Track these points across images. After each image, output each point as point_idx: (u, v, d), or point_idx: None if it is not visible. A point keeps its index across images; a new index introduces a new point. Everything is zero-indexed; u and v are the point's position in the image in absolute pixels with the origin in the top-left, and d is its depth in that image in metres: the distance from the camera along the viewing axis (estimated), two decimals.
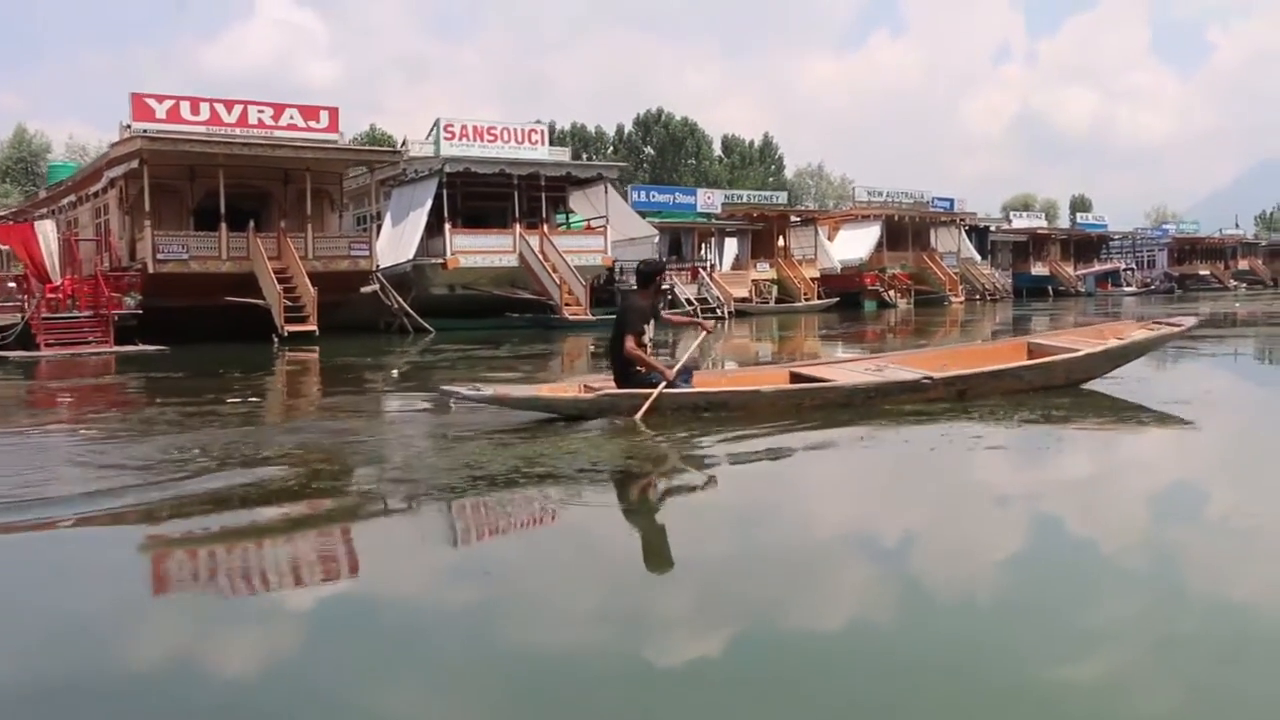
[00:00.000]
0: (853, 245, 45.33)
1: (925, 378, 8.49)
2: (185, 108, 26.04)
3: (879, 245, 45.41)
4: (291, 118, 27.38)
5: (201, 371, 15.54)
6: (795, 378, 9.09)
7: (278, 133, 26.82)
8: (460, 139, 30.30)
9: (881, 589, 4.11)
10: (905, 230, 47.13)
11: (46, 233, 23.46)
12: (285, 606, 4.04)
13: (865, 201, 49.53)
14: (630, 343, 8.03)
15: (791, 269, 41.61)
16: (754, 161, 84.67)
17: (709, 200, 44.28)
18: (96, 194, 27.69)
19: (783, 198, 52.11)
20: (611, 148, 78.82)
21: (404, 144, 32.40)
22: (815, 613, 3.81)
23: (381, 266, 26.88)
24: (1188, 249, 68.99)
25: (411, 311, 26.53)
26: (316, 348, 21.24)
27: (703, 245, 40.34)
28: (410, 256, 28.09)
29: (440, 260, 28.80)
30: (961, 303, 44.74)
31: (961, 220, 50.71)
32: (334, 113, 28.24)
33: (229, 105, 26.73)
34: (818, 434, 7.43)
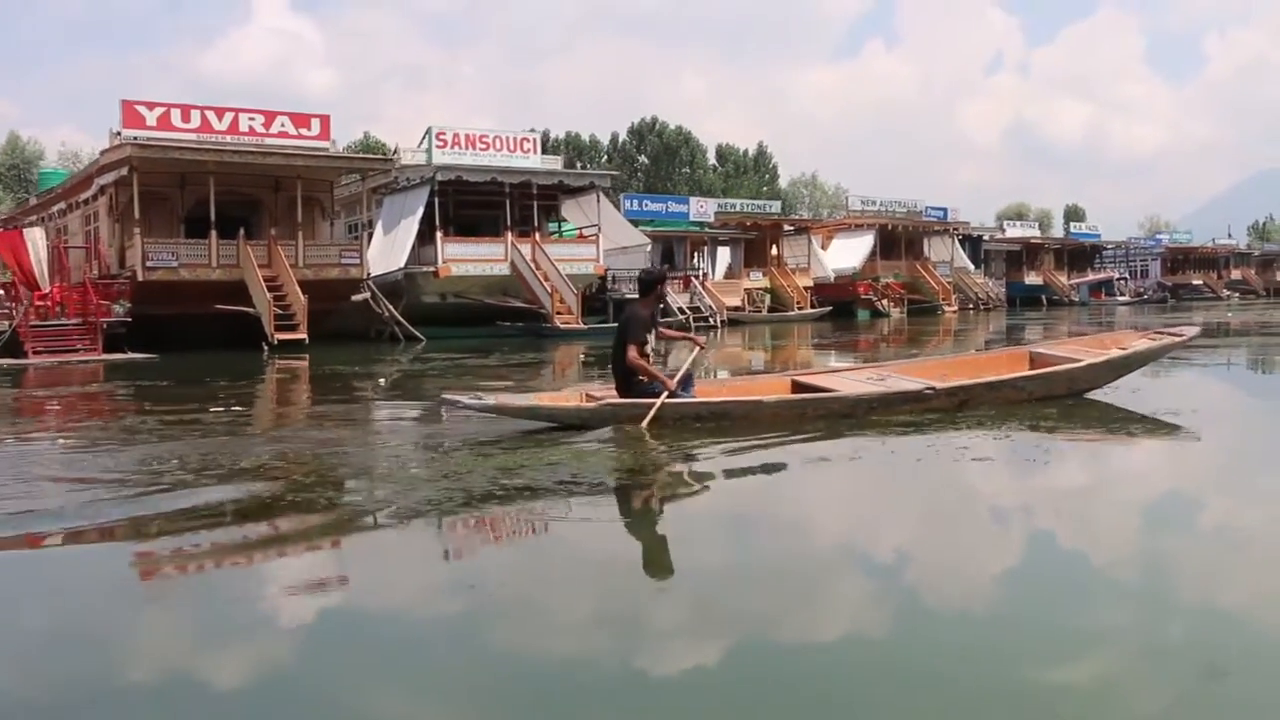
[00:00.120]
0: (846, 254, 45.29)
1: (928, 388, 8.47)
2: (176, 115, 26.01)
3: (872, 254, 45.37)
4: (283, 125, 27.36)
5: (189, 380, 15.44)
6: (797, 387, 9.05)
7: (269, 140, 26.80)
8: (452, 147, 30.26)
9: (872, 600, 4.07)
10: (899, 239, 47.11)
11: (35, 240, 23.39)
12: (250, 624, 3.94)
13: (859, 210, 49.56)
14: (633, 352, 8.01)
15: (785, 278, 41.56)
16: (748, 170, 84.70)
17: (702, 209, 44.25)
18: (86, 201, 27.59)
19: (776, 207, 52.08)
20: (606, 156, 78.84)
21: (395, 152, 32.34)
22: (801, 625, 3.76)
23: (373, 274, 26.81)
24: (1181, 259, 69.12)
25: (402, 320, 26.44)
26: (306, 356, 21.16)
27: (695, 254, 40.32)
28: (401, 265, 28.01)
29: (432, 268, 28.71)
30: (955, 312, 44.71)
31: (955, 229, 50.71)
32: (325, 120, 28.19)
33: (220, 113, 26.70)
34: (807, 445, 7.36)
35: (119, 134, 24.99)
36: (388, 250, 28.39)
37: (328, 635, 3.76)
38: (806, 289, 41.69)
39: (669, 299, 33.23)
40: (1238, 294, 66.74)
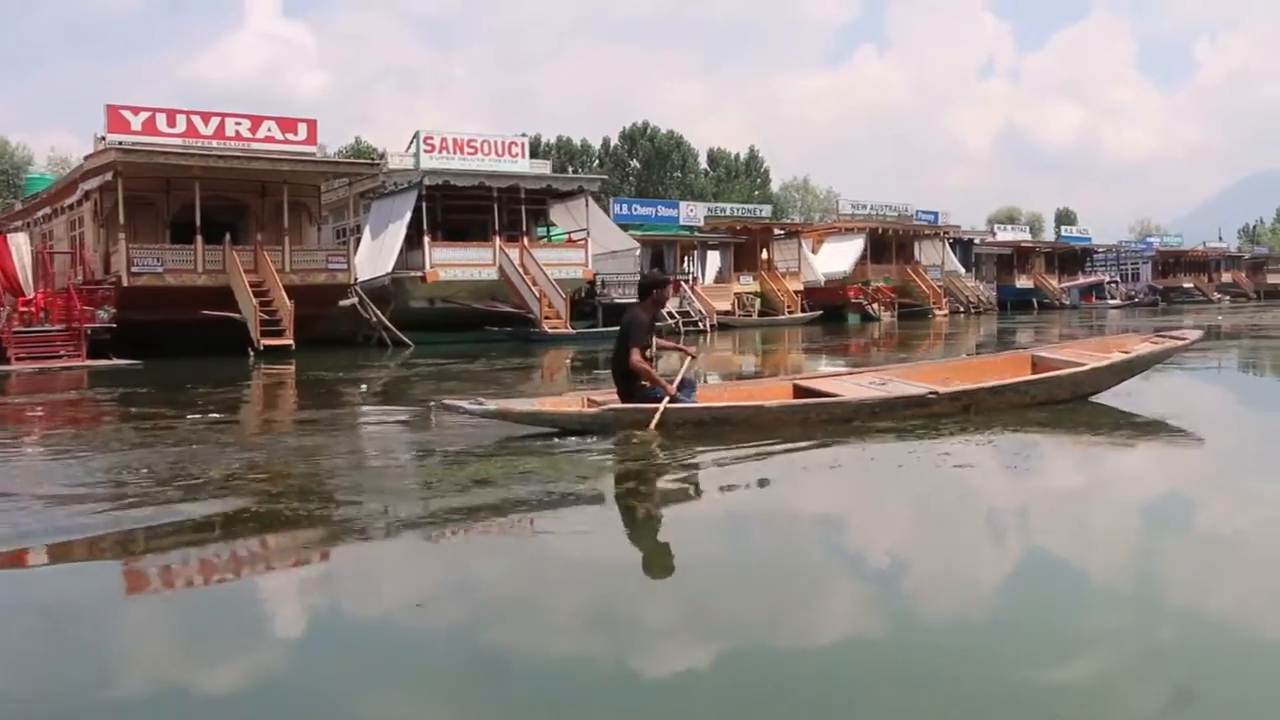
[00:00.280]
0: (836, 258, 45.24)
1: (931, 392, 8.42)
2: (161, 119, 25.82)
3: (863, 258, 45.34)
4: (269, 130, 27.20)
5: (172, 386, 15.29)
6: (799, 392, 9.01)
7: (255, 145, 26.63)
8: (440, 151, 30.11)
9: (872, 603, 4.09)
10: (889, 243, 47.09)
11: (19, 245, 23.23)
12: (201, 642, 3.83)
13: (849, 214, 49.49)
14: (636, 355, 7.95)
15: (775, 282, 41.50)
16: (740, 175, 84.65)
17: (692, 213, 44.11)
18: (71, 206, 27.44)
19: (766, 211, 51.97)
20: (597, 161, 78.73)
21: (383, 156, 32.21)
22: (799, 629, 3.74)
23: (360, 280, 26.69)
24: (1172, 262, 69.25)
25: (390, 325, 26.32)
26: (293, 361, 21.02)
27: (685, 258, 40.20)
28: (389, 269, 27.85)
29: (419, 273, 28.58)
30: (946, 316, 44.68)
31: (945, 233, 50.72)
32: (312, 125, 28.06)
33: (205, 117, 26.53)
34: (805, 450, 7.29)
35: (103, 139, 24.83)
36: (375, 255, 28.26)
37: (289, 650, 3.66)
38: (797, 293, 41.64)
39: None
40: (1228, 297, 66.89)
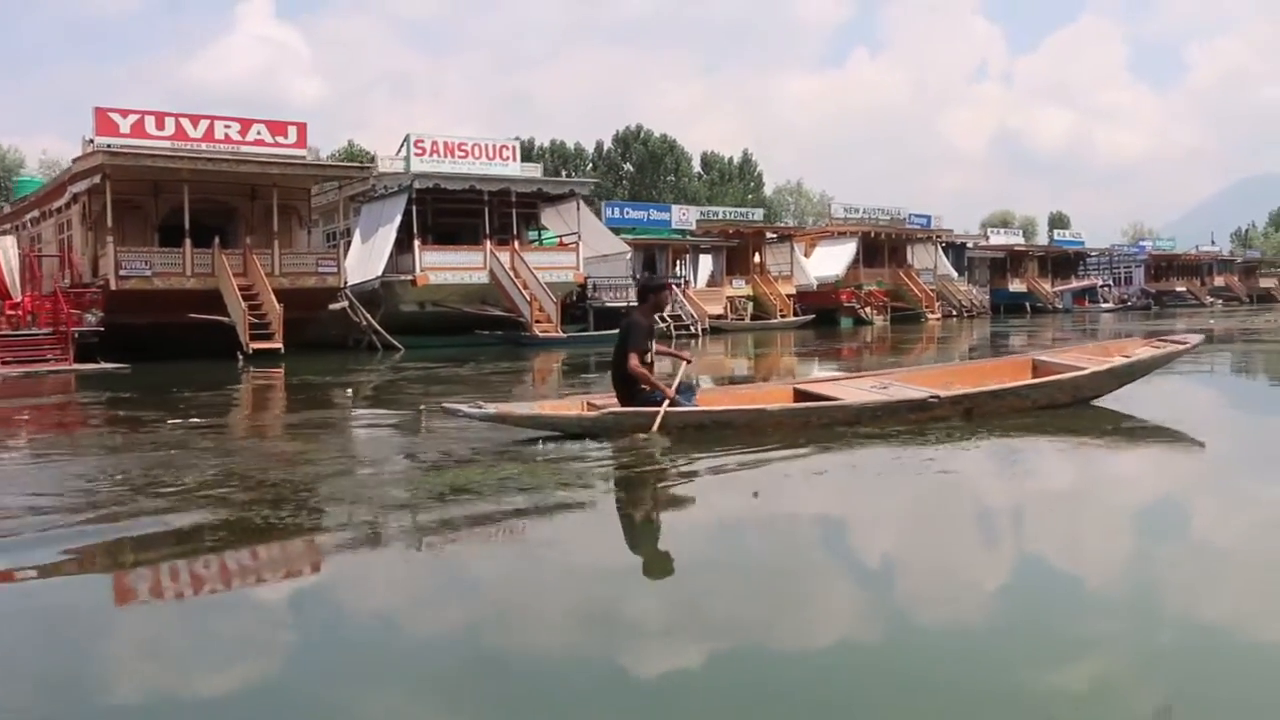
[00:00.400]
0: (829, 262, 45.20)
1: (932, 396, 8.38)
2: (150, 122, 25.70)
3: (855, 262, 45.29)
4: (259, 133, 27.08)
5: (158, 390, 15.17)
6: (800, 396, 8.98)
7: (245, 148, 26.52)
8: (431, 155, 29.99)
9: (871, 606, 4.10)
10: (882, 247, 47.06)
11: (6, 249, 23.14)
12: (149, 661, 3.74)
13: (842, 218, 49.47)
14: (634, 360, 7.92)
15: (767, 286, 41.44)
16: (733, 178, 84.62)
17: (684, 216, 44.11)
18: (60, 210, 27.30)
19: (759, 214, 51.95)
20: (591, 164, 78.68)
21: (373, 160, 32.12)
22: (798, 633, 3.66)
23: (350, 283, 26.58)
24: (1164, 265, 69.34)
25: (380, 329, 26.23)
26: (281, 366, 20.91)
27: (677, 262, 40.16)
28: (379, 273, 27.79)
29: (410, 277, 28.49)
30: (939, 319, 44.65)
31: (938, 237, 50.72)
32: (302, 128, 27.95)
33: (194, 120, 26.39)
34: (803, 454, 7.22)
35: (91, 141, 24.70)
36: (366, 259, 28.17)
37: (247, 662, 3.56)
38: (789, 297, 41.57)
39: None
40: (1221, 300, 66.94)
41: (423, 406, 12.16)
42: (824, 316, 41.04)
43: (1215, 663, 3.39)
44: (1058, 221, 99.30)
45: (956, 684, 3.20)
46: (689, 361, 8.70)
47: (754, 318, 39.78)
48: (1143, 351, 9.82)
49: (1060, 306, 56.32)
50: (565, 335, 28.44)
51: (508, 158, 32.03)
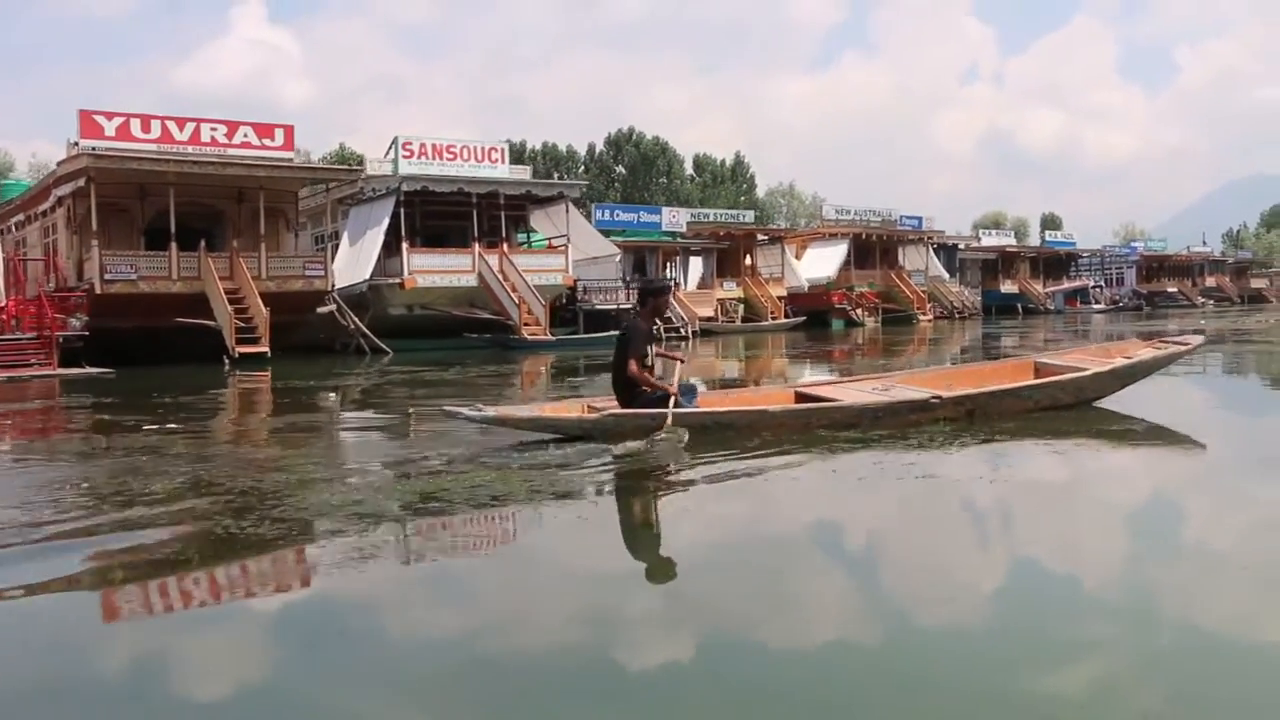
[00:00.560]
0: (820, 264, 45.16)
1: (934, 397, 8.35)
2: (136, 125, 25.51)
3: (847, 263, 45.29)
4: (246, 136, 26.91)
5: (142, 394, 15.04)
6: (801, 398, 8.96)
7: (231, 151, 26.36)
8: (419, 157, 29.86)
9: (871, 607, 4.11)
10: (873, 248, 47.08)
11: None
12: (99, 681, 3.62)
13: (833, 220, 49.47)
14: (634, 365, 7.92)
15: (758, 288, 41.38)
16: (725, 180, 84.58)
17: (674, 219, 44.03)
18: (44, 213, 27.12)
19: (749, 216, 51.89)
20: (583, 167, 78.60)
21: (361, 162, 31.98)
22: (796, 635, 3.65)
23: (338, 286, 26.44)
24: (1156, 266, 69.51)
25: (368, 332, 26.08)
26: (268, 370, 20.77)
27: (667, 264, 40.08)
28: (367, 276, 27.64)
29: (398, 280, 28.36)
30: (930, 321, 44.64)
31: (930, 238, 50.75)
32: (289, 131, 27.79)
33: (180, 123, 26.22)
34: (802, 457, 7.16)
35: (76, 144, 24.54)
36: (353, 262, 28.02)
37: (195, 677, 3.44)
38: (780, 299, 41.52)
39: None
40: (1212, 301, 67.11)
41: (412, 410, 12.05)
42: (815, 318, 41.00)
43: (1215, 664, 3.39)
44: (1050, 222, 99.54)
45: (956, 685, 3.20)
46: (682, 362, 8.71)
47: (745, 320, 39.72)
48: (1144, 353, 9.83)
49: (1052, 307, 56.42)
50: (554, 338, 28.34)
51: (496, 160, 31.92)
